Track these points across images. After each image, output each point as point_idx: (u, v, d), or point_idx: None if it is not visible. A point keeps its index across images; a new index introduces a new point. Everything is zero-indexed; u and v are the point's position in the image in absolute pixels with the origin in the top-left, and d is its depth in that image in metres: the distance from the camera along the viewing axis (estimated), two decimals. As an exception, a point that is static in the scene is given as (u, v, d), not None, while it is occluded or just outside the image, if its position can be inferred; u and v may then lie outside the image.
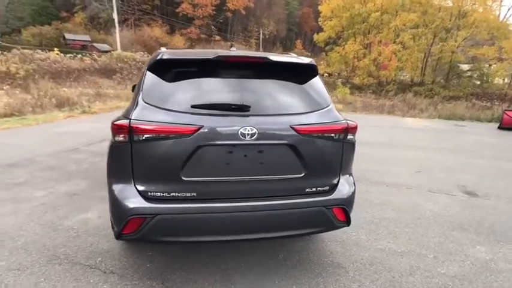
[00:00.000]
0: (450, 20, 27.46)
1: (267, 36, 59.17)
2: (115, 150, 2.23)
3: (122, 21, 39.97)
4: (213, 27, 47.77)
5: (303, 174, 2.35)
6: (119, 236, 2.23)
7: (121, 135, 2.14)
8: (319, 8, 31.67)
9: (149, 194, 2.20)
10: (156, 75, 2.34)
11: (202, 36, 45.87)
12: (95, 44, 32.44)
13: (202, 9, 43.63)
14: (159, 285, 2.54)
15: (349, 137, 2.50)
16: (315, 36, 32.42)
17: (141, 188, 2.20)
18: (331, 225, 2.49)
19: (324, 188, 2.45)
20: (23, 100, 11.69)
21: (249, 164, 2.28)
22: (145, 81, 2.34)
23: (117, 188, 2.23)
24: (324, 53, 34.61)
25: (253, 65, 2.49)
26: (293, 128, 2.26)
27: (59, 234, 3.22)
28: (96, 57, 21.85)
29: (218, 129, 2.17)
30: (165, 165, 2.18)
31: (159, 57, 2.29)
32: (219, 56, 2.29)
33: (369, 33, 29.75)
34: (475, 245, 3.37)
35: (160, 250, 2.96)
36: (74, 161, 5.61)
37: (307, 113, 2.38)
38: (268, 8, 58.93)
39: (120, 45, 28.32)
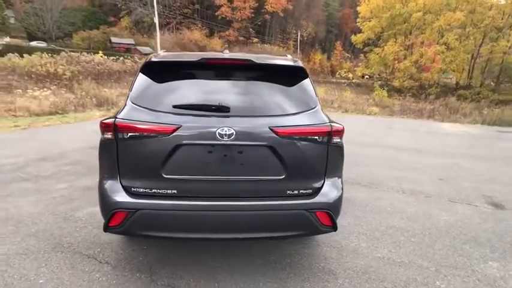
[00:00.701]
0: (502, 19, 25.64)
1: (305, 38, 58.68)
2: (103, 147, 2.35)
3: (164, 25, 41.58)
4: (251, 29, 48.21)
5: (283, 176, 2.33)
6: (105, 228, 2.34)
7: (107, 133, 2.26)
8: (358, 8, 30.95)
9: (132, 189, 2.30)
10: (147, 77, 2.45)
11: (240, 38, 46.48)
12: (138, 47, 34.07)
13: (240, 12, 44.26)
14: (147, 278, 2.62)
15: (335, 140, 2.43)
16: (353, 38, 31.72)
17: (125, 183, 2.31)
18: (314, 229, 2.43)
19: (306, 191, 2.40)
20: (67, 99, 12.54)
21: (229, 164, 2.29)
22: (136, 83, 2.45)
23: (104, 182, 2.36)
24: (362, 55, 33.75)
25: (238, 68, 2.51)
26: (272, 130, 2.25)
27: (68, 225, 3.43)
28: (137, 60, 22.90)
29: (196, 129, 2.22)
30: (147, 163, 2.27)
31: (148, 60, 2.38)
32: (203, 58, 2.34)
33: (410, 34, 28.61)
34: (487, 260, 3.12)
35: (155, 244, 3.06)
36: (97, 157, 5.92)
37: (288, 115, 2.35)
38: (307, 9, 58.47)
39: (160, 48, 29.46)
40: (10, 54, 17.32)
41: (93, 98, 13.21)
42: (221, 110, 2.26)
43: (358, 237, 3.43)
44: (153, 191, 2.28)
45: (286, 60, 2.63)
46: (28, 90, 13.04)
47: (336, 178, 2.56)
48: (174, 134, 2.19)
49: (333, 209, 2.44)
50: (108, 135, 2.26)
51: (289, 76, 2.55)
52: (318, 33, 63.75)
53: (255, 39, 47.85)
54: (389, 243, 3.34)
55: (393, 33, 29.10)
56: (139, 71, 2.51)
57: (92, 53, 20.89)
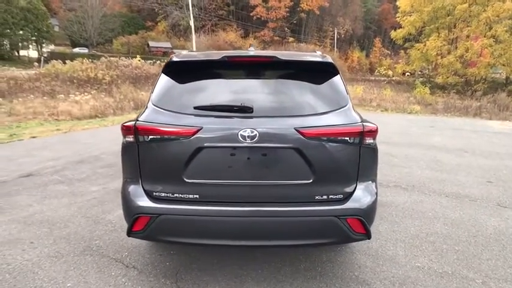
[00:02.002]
0: (559, 7, 23.42)
1: (343, 36, 57.30)
2: (125, 150, 2.34)
3: (200, 28, 42.42)
4: (286, 28, 47.89)
5: (311, 181, 2.19)
6: (129, 232, 2.32)
7: (128, 136, 2.25)
8: (398, 3, 29.60)
9: (154, 193, 2.26)
10: (168, 77, 2.42)
11: (276, 38, 46.31)
12: (175, 50, 34.99)
13: (275, 12, 44.09)
14: (173, 284, 2.59)
15: (368, 141, 2.25)
16: (393, 33, 30.40)
17: (147, 187, 2.28)
18: (345, 237, 2.26)
19: (336, 196, 2.25)
20: (106, 103, 13.06)
21: (253, 168, 2.20)
22: (157, 84, 2.42)
23: (127, 187, 2.36)
24: (402, 51, 32.34)
25: (262, 65, 2.41)
26: (298, 131, 2.12)
27: (97, 227, 3.48)
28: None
29: (217, 131, 2.15)
30: (168, 166, 2.23)
31: (169, 60, 2.35)
32: (225, 56, 2.27)
33: (454, 28, 26.97)
34: (544, 273, 2.80)
35: (183, 249, 3.03)
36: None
37: (316, 114, 2.21)
38: (344, 6, 57.11)
39: (196, 50, 30.09)
40: (54, 61, 18.34)
41: (130, 101, 13.66)
42: (244, 110, 2.16)
43: (395, 245, 3.20)
44: (174, 195, 2.23)
45: (314, 56, 2.49)
46: (70, 95, 13.73)
47: (370, 182, 2.38)
48: (195, 136, 2.13)
49: (365, 216, 2.26)
50: (130, 138, 2.25)
51: (317, 73, 2.42)
52: (356, 30, 62.03)
53: (291, 39, 47.38)
54: (430, 252, 3.09)
55: (436, 27, 27.56)
56: (161, 72, 2.48)
57: (130, 58, 21.66)
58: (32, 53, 26.44)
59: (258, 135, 2.10)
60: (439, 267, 2.84)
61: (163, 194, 2.25)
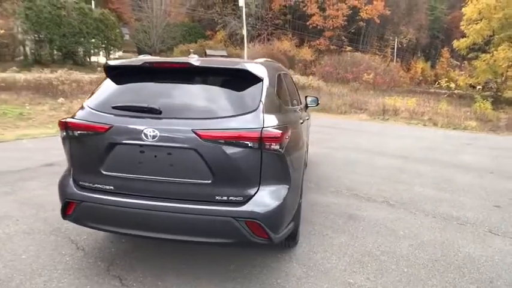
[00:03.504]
0: None
1: (405, 45, 54.49)
2: (62, 143, 2.65)
3: (256, 36, 43.36)
4: (343, 38, 46.90)
5: (210, 181, 2.29)
6: (63, 216, 2.62)
7: (62, 131, 2.56)
8: (463, 10, 27.42)
9: (80, 182, 2.54)
10: (108, 80, 2.69)
11: (332, 47, 45.58)
12: (229, 59, 36.28)
13: (332, 21, 43.37)
14: (105, 267, 2.83)
15: (272, 146, 2.29)
16: (455, 43, 28.20)
17: (75, 176, 2.58)
18: (244, 238, 2.31)
19: (236, 198, 2.31)
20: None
21: (159, 165, 2.36)
22: (97, 87, 2.71)
23: (63, 175, 2.70)
24: (467, 62, 29.89)
25: (180, 71, 2.58)
26: (195, 133, 2.24)
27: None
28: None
29: (125, 129, 2.35)
30: (89, 159, 2.50)
31: (104, 65, 2.62)
32: (146, 62, 2.48)
33: (528, 37, 24.27)
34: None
35: (131, 240, 3.25)
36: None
37: (218, 118, 2.31)
38: (407, 14, 54.29)
39: (247, 58, 30.94)
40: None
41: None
42: (152, 111, 2.34)
43: (340, 259, 3.11)
44: (95, 185, 2.48)
45: (231, 63, 2.61)
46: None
47: (279, 187, 2.41)
48: (108, 132, 2.36)
49: (265, 220, 2.29)
50: (63, 133, 2.56)
51: (230, 79, 2.52)
52: (420, 39, 58.55)
53: (348, 48, 46.31)
54: (373, 270, 2.95)
55: (507, 35, 25.08)
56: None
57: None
58: (102, 59, 29.27)
59: (158, 134, 2.26)
60: (373, 285, 2.72)
61: (86, 184, 2.51)
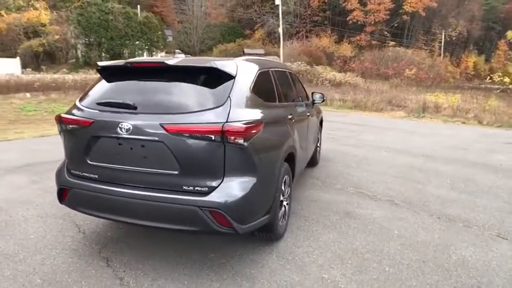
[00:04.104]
0: None
1: (454, 38, 51.11)
2: (60, 136, 2.93)
3: (294, 34, 43.05)
4: (386, 32, 45.07)
5: (177, 172, 2.44)
6: (60, 201, 2.92)
7: (58, 125, 2.84)
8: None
9: (72, 171, 2.82)
10: (100, 79, 2.93)
11: (374, 42, 43.99)
12: (267, 57, 36.35)
13: (374, 15, 41.83)
14: (97, 249, 3.09)
15: (234, 140, 2.38)
16: (509, 33, 26.07)
17: (68, 166, 2.87)
18: (209, 227, 2.43)
19: (202, 189, 2.44)
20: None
21: (135, 156, 2.55)
22: (90, 86, 2.96)
23: (60, 165, 2.99)
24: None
25: (157, 70, 2.76)
26: (163, 127, 2.39)
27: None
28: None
29: (104, 123, 2.58)
30: (77, 149, 2.76)
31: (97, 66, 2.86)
32: (127, 62, 2.69)
33: None
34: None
35: (129, 227, 3.49)
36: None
37: (186, 113, 2.45)
38: (458, 5, 50.88)
39: (284, 56, 30.87)
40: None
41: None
42: (128, 107, 2.54)
43: (321, 254, 3.11)
44: (83, 174, 2.74)
45: (202, 62, 2.72)
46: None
47: (242, 179, 2.50)
48: (91, 126, 2.61)
49: (228, 210, 2.39)
50: (59, 127, 2.85)
51: (201, 76, 2.64)
52: (472, 31, 54.65)
53: (391, 43, 44.43)
54: (352, 267, 2.93)
55: None
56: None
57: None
58: (144, 60, 30.87)
59: (131, 128, 2.45)
60: (346, 284, 2.70)
61: (76, 172, 2.78)
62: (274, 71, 3.66)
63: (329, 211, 4.07)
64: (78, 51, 29.14)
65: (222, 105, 2.46)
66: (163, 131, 2.39)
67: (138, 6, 35.66)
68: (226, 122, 2.37)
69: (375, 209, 4.19)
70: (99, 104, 2.67)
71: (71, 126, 2.74)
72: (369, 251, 3.19)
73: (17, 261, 2.87)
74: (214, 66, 2.54)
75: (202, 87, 2.59)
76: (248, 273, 2.79)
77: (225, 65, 2.66)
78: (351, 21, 43.12)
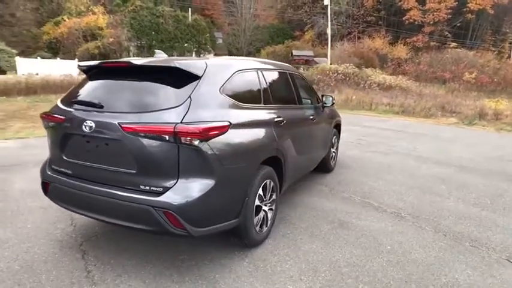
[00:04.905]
0: None
1: (528, 38, 46.02)
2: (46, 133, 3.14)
3: (346, 35, 41.83)
4: (447, 33, 41.94)
5: (135, 171, 2.49)
6: (44, 194, 3.11)
7: (42, 122, 3.04)
8: None
9: (52, 166, 3.00)
10: (84, 79, 3.09)
11: (432, 43, 41.19)
12: (316, 59, 35.70)
13: (433, 15, 39.07)
14: (79, 241, 3.25)
15: (190, 141, 2.38)
16: None
17: (50, 161, 3.05)
18: (163, 227, 2.44)
19: (157, 189, 2.45)
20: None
21: (100, 154, 2.64)
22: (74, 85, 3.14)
23: (45, 160, 3.18)
24: None
25: (125, 70, 2.85)
26: (120, 126, 2.45)
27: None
28: (302, 71, 24.25)
29: (72, 121, 2.71)
30: (55, 146, 2.93)
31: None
32: (100, 62, 2.82)
33: None
34: None
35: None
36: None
37: (142, 112, 2.48)
38: (534, 1, 45.70)
39: (333, 58, 30.18)
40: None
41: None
42: (95, 105, 2.64)
43: (295, 265, 2.99)
44: (60, 169, 2.90)
45: (166, 61, 2.73)
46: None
47: (198, 181, 2.48)
48: (63, 124, 2.77)
49: (180, 212, 2.38)
50: (43, 123, 3.04)
51: (164, 76, 2.66)
52: (552, 30, 48.78)
53: (452, 44, 41.29)
54: (322, 281, 2.77)
55: None
56: None
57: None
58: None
59: (93, 126, 2.55)
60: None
61: (56, 167, 2.96)
62: (265, 72, 3.58)
63: (323, 220, 3.90)
64: (131, 53, 31.12)
65: (181, 105, 2.47)
66: (120, 130, 2.45)
67: (189, 9, 37.16)
68: (181, 122, 2.37)
69: (375, 221, 3.92)
70: (72, 102, 2.83)
71: (50, 123, 2.93)
72: (349, 265, 3.00)
73: (5, 248, 3.11)
74: (178, 66, 2.56)
75: (165, 86, 2.61)
76: (212, 277, 2.76)
77: (190, 65, 2.66)
78: (407, 21, 40.88)
